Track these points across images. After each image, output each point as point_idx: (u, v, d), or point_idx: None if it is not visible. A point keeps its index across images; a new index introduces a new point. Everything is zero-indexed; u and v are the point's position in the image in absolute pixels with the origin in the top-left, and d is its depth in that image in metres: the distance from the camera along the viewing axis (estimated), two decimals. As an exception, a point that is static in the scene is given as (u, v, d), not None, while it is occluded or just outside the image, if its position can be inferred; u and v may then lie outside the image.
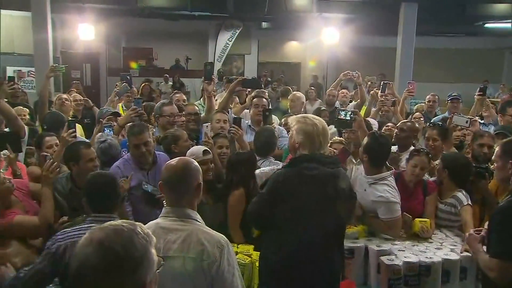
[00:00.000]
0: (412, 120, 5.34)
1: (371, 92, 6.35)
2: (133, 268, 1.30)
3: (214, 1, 12.57)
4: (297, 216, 2.65)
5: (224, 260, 2.10)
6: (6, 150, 3.67)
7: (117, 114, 4.79)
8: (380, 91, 6.06)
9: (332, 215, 2.69)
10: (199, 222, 2.22)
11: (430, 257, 3.18)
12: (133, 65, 15.18)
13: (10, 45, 13.85)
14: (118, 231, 1.34)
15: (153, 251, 1.38)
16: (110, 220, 1.89)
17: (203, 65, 5.10)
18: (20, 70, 11.64)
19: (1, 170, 3.55)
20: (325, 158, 2.75)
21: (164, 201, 2.32)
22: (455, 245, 3.38)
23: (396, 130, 4.62)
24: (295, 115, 3.51)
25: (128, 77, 5.45)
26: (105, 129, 4.39)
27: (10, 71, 13.47)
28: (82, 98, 6.37)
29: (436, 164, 3.96)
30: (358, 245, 3.36)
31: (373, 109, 6.04)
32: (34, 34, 10.80)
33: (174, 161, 2.29)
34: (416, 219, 3.55)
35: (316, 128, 2.72)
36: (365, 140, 3.56)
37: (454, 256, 3.21)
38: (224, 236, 2.20)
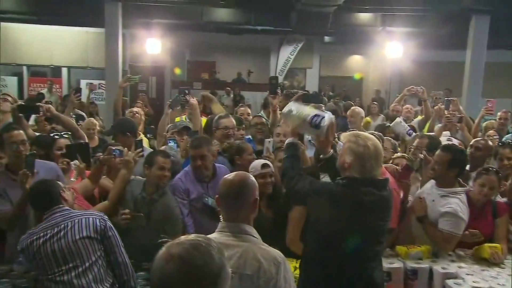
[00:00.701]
0: (486, 138, 5.08)
1: (435, 107, 6.12)
2: (213, 281, 1.34)
3: (277, 16, 12.69)
4: (339, 237, 2.55)
5: (281, 278, 2.06)
6: (77, 161, 3.85)
7: (187, 129, 4.83)
8: (444, 108, 5.85)
9: (375, 237, 2.62)
10: (255, 237, 2.19)
11: (503, 284, 2.99)
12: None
13: (84, 59, 14.71)
14: (197, 245, 1.36)
15: (227, 264, 1.39)
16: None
17: (268, 79, 5.14)
18: (91, 83, 12.26)
19: (72, 179, 3.77)
20: (379, 182, 2.60)
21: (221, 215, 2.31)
22: (530, 272, 3.17)
23: (470, 148, 4.41)
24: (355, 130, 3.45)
25: (186, 91, 5.60)
26: (169, 141, 4.51)
27: (83, 83, 14.29)
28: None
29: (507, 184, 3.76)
30: (423, 266, 3.24)
31: (438, 125, 5.82)
32: (106, 49, 11.41)
33: (231, 176, 2.28)
34: (485, 244, 3.37)
35: (367, 150, 2.52)
36: (444, 153, 3.48)
37: (529, 284, 3.01)
38: (280, 253, 2.16)
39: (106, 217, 2.88)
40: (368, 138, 2.62)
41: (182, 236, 1.44)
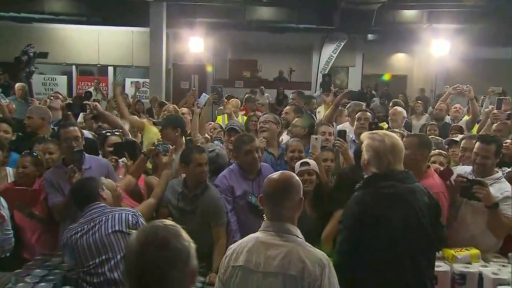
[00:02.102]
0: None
1: (486, 110, 5.90)
2: (187, 258, 1.45)
3: (320, 14, 12.62)
4: (380, 239, 2.51)
5: (325, 279, 2.04)
6: (124, 158, 3.96)
7: (235, 130, 4.78)
8: (495, 107, 5.63)
9: (417, 233, 2.54)
10: (299, 238, 2.18)
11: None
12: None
13: (129, 58, 15.09)
14: (168, 229, 1.47)
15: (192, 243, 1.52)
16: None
17: (322, 76, 5.11)
18: (138, 81, 12.59)
19: (120, 176, 3.88)
20: (399, 174, 2.58)
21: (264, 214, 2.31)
22: None
23: None
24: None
25: (219, 88, 5.62)
26: (215, 140, 4.56)
27: (128, 82, 14.68)
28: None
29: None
30: (472, 270, 3.12)
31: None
32: (151, 48, 11.67)
33: (276, 175, 2.28)
34: None
35: (383, 144, 2.55)
36: (489, 146, 3.43)
37: None
38: (325, 254, 2.15)
39: (139, 213, 2.96)
40: (386, 134, 2.66)
41: (147, 224, 1.54)
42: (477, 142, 3.51)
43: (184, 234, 1.49)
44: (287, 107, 5.80)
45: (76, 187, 3.06)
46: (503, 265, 3.22)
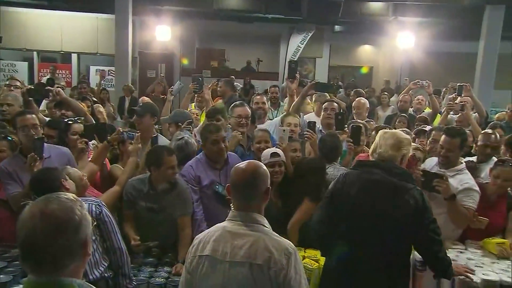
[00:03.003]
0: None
1: (449, 96, 6.11)
2: (76, 229, 1.49)
3: (288, 4, 12.60)
4: (352, 219, 2.68)
5: (291, 268, 2.05)
6: (94, 141, 3.88)
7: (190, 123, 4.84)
8: (456, 94, 5.83)
9: (391, 230, 2.62)
10: (266, 227, 2.18)
11: (514, 277, 2.98)
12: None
13: (94, 46, 14.72)
14: (59, 200, 1.51)
15: (87, 212, 1.57)
16: None
17: (287, 63, 5.12)
18: (103, 70, 12.29)
19: (90, 160, 3.82)
20: (394, 168, 2.69)
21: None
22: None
23: (480, 142, 4.34)
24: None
25: (200, 78, 5.58)
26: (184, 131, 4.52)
27: (92, 70, 14.32)
28: None
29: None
30: (432, 258, 3.22)
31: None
32: (116, 36, 11.41)
33: (243, 164, 2.26)
34: (493, 240, 3.38)
35: (383, 134, 2.84)
36: (453, 139, 3.55)
37: (539, 278, 2.99)
38: (291, 243, 2.15)
39: (103, 203, 2.92)
40: (394, 132, 2.93)
41: (43, 196, 1.55)
42: (443, 135, 3.59)
43: (78, 206, 1.53)
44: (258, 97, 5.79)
45: (37, 176, 2.94)
46: (460, 252, 3.34)
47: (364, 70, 16.88)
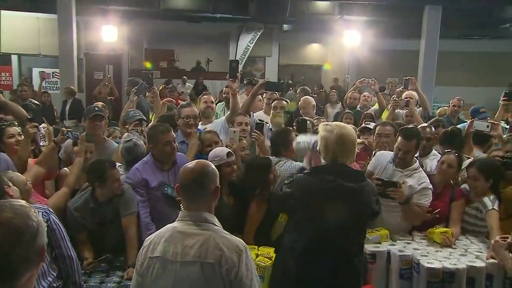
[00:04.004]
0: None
1: (397, 90, 6.32)
2: (33, 237, 1.45)
3: (236, 3, 12.61)
4: (312, 226, 2.69)
5: (243, 266, 2.05)
6: (44, 124, 3.76)
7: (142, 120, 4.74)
8: (402, 87, 6.04)
9: (351, 232, 2.72)
10: (216, 226, 2.17)
11: (454, 264, 3.13)
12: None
13: (36, 47, 14.15)
14: (13, 208, 1.46)
15: (41, 218, 1.53)
16: None
17: (228, 62, 5.10)
18: (44, 71, 11.82)
19: (41, 144, 3.78)
20: (347, 172, 2.74)
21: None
22: (480, 252, 3.32)
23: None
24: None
25: (150, 75, 5.47)
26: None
27: (35, 72, 13.75)
28: None
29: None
30: (381, 249, 3.33)
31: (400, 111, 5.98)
32: (59, 36, 11.01)
33: (191, 164, 2.25)
34: (436, 230, 3.53)
35: (331, 135, 2.74)
36: (410, 141, 3.61)
37: (479, 263, 3.15)
38: (242, 241, 2.16)
39: (50, 210, 2.77)
40: (338, 125, 2.85)
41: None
42: (399, 137, 3.66)
43: (33, 212, 1.49)
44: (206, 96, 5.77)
45: None
46: (407, 243, 3.47)
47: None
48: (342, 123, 3.04)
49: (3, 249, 1.39)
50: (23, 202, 1.53)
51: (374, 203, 2.88)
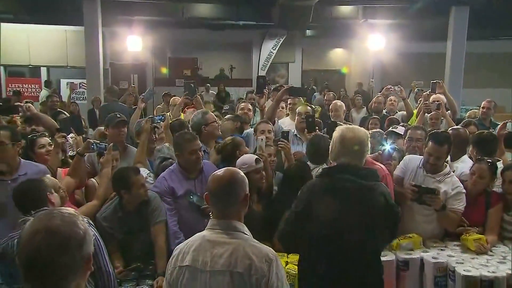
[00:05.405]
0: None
1: (424, 94, 6.19)
2: (80, 245, 1.46)
3: (259, 10, 12.66)
4: (328, 230, 2.57)
5: (273, 275, 2.02)
6: (72, 134, 3.85)
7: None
8: (430, 91, 5.93)
9: (365, 231, 2.59)
10: (246, 234, 2.14)
11: (493, 272, 3.01)
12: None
13: (63, 58, 14.46)
14: (61, 216, 1.48)
15: (89, 227, 1.55)
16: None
17: (256, 78, 5.10)
18: (72, 82, 12.07)
19: (69, 154, 3.89)
20: (360, 170, 2.65)
21: (210, 212, 2.25)
22: (519, 259, 3.19)
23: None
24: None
25: (191, 84, 5.49)
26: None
27: (63, 83, 14.05)
28: None
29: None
30: (413, 256, 3.24)
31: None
32: (86, 47, 11.24)
33: (220, 171, 2.22)
34: (469, 237, 3.41)
35: (336, 135, 2.73)
36: (441, 147, 3.51)
37: (519, 271, 3.03)
38: (272, 249, 2.12)
39: (90, 221, 2.68)
40: (348, 128, 2.81)
41: (43, 212, 1.54)
42: (430, 142, 3.55)
43: (80, 221, 1.50)
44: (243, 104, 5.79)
45: (19, 190, 2.72)
46: (441, 249, 3.37)
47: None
48: (353, 126, 2.96)
49: (51, 255, 1.40)
50: (71, 211, 1.54)
51: (389, 204, 2.72)
